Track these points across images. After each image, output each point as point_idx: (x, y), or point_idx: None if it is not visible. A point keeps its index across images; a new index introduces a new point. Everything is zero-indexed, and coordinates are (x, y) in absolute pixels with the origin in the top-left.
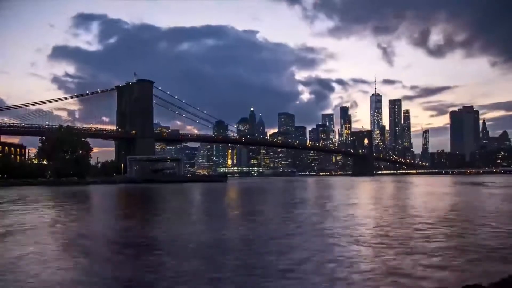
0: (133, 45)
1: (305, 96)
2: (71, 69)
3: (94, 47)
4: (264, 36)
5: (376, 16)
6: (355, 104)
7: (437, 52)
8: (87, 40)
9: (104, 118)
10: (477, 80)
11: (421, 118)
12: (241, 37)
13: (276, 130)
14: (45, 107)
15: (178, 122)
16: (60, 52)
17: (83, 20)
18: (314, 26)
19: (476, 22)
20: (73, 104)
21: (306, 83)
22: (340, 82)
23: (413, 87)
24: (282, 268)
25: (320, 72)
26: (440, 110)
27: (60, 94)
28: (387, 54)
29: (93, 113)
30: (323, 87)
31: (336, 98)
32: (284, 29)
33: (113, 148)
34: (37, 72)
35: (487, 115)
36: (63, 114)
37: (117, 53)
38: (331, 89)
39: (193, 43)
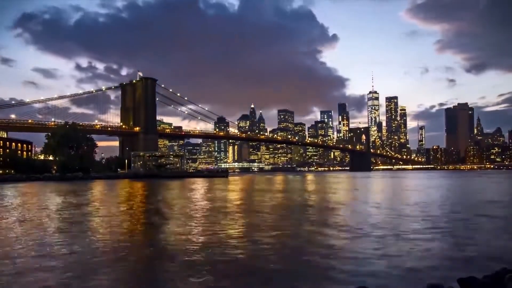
0: None
1: None
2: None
3: None
4: None
5: None
6: None
7: None
8: None
9: (108, 115)
10: None
11: None
12: None
13: (276, 126)
14: (51, 104)
15: (181, 119)
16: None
17: None
18: None
19: None
20: (78, 101)
21: None
22: None
23: None
24: None
25: None
26: None
27: None
28: None
29: (98, 109)
30: None
31: None
32: None
33: (118, 143)
34: None
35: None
36: (68, 110)
37: None
38: None
39: None
